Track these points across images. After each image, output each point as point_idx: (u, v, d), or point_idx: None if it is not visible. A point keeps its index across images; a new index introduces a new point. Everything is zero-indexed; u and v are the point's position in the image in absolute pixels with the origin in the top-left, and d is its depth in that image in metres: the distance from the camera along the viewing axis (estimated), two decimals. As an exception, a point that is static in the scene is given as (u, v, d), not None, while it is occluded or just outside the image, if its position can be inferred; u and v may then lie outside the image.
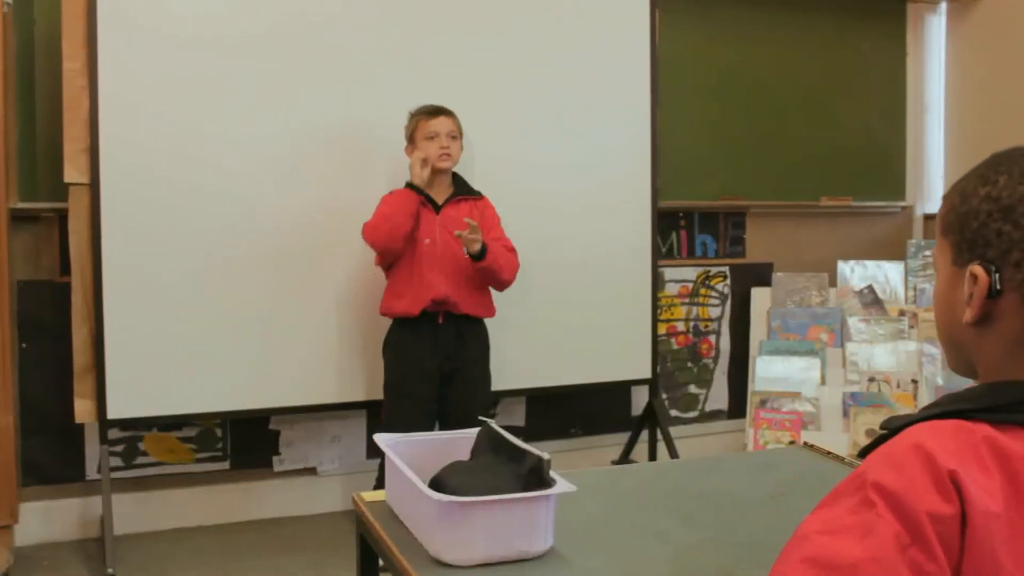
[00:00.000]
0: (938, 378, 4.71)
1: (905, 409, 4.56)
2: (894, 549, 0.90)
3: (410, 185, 3.67)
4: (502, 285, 3.84)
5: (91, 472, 4.01)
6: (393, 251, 3.68)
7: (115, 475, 3.98)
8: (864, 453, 1.03)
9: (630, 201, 4.56)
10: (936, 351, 4.79)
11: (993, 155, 1.06)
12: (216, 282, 3.85)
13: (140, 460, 4.09)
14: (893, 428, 1.02)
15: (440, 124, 3.74)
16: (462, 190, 3.83)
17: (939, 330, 1.11)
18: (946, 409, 1.00)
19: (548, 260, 4.35)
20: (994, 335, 1.02)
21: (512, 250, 3.83)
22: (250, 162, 3.88)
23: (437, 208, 3.73)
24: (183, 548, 3.94)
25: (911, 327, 4.98)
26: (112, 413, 3.71)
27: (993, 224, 1.00)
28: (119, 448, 4.04)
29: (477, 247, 3.61)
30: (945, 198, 1.10)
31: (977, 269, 1.01)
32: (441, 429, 3.79)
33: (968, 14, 5.53)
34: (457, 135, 3.79)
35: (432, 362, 3.74)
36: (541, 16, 4.35)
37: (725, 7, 5.15)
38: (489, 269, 3.69)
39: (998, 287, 0.99)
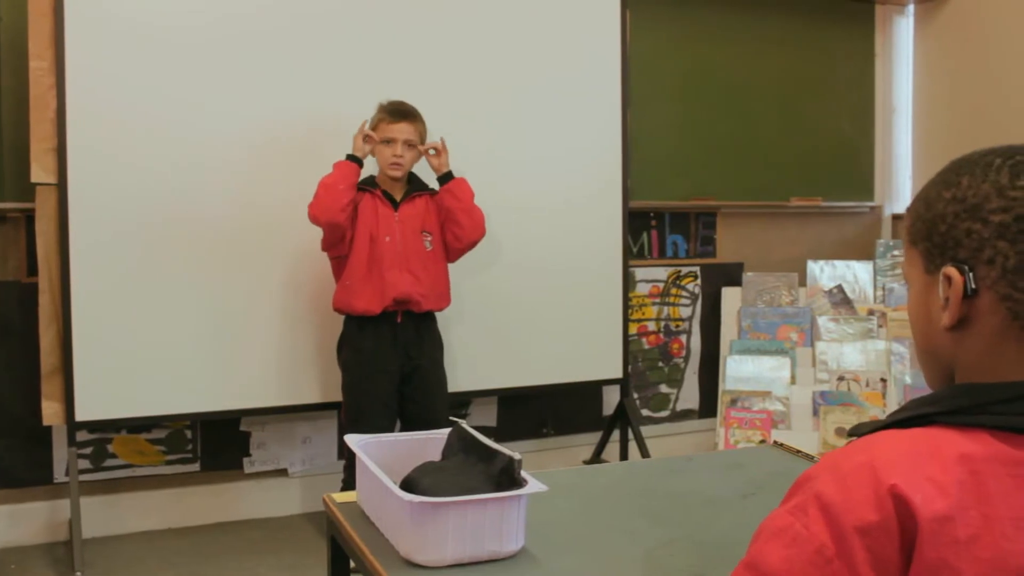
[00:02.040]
0: (906, 377, 4.75)
1: (874, 408, 4.60)
2: (810, 565, 0.93)
3: (351, 157, 3.63)
4: (474, 225, 3.78)
5: (59, 475, 3.97)
6: (336, 225, 3.59)
7: (83, 478, 3.95)
8: None
9: (601, 201, 4.57)
10: (905, 350, 4.83)
11: (951, 161, 1.07)
12: (185, 282, 3.82)
13: (109, 462, 4.06)
14: (860, 435, 1.03)
15: (399, 131, 3.68)
16: (417, 187, 3.81)
17: (917, 343, 1.11)
18: (911, 414, 1.01)
19: (520, 260, 4.36)
20: (973, 337, 1.02)
21: None
22: (221, 161, 3.86)
23: (395, 205, 3.72)
24: (153, 551, 3.91)
25: (880, 326, 5.02)
26: (80, 415, 3.68)
27: (961, 224, 1.01)
28: (87, 450, 4.00)
29: (446, 164, 3.72)
30: (909, 210, 1.11)
31: (951, 270, 1.01)
32: (402, 429, 3.78)
33: (935, 16, 5.59)
34: (415, 142, 3.73)
35: (393, 362, 3.72)
36: (512, 16, 4.35)
37: (696, 8, 5.17)
38: (460, 190, 3.73)
39: (973, 286, 1.00)
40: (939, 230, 1.03)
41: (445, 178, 3.74)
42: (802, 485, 0.99)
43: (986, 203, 0.99)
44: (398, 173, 3.71)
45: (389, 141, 3.68)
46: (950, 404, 0.99)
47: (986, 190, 1.00)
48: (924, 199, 1.07)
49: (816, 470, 0.99)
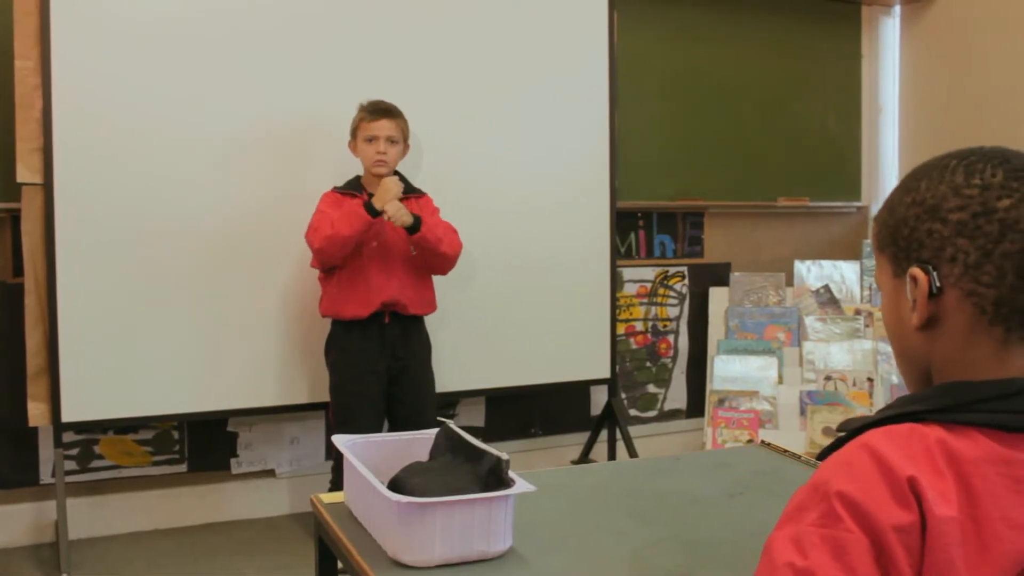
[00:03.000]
0: (893, 376, 4.76)
1: (861, 407, 4.61)
2: (871, 563, 0.92)
3: (372, 211, 3.53)
4: (444, 260, 3.74)
5: (45, 476, 3.96)
6: (334, 263, 3.64)
7: (70, 479, 3.93)
8: (823, 455, 1.05)
9: (589, 201, 4.58)
10: (891, 349, 4.83)
11: (913, 169, 1.10)
12: (172, 282, 3.81)
13: (96, 463, 4.05)
14: (850, 431, 1.03)
15: (380, 128, 3.66)
16: (404, 189, 3.79)
17: (893, 347, 1.13)
18: (901, 411, 1.02)
19: (508, 261, 4.36)
20: (943, 335, 1.04)
21: (452, 229, 3.78)
22: (209, 162, 3.85)
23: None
24: (140, 552, 3.90)
25: (867, 326, 5.04)
26: (67, 416, 3.66)
27: (923, 226, 1.03)
28: (74, 451, 3.99)
29: (408, 219, 3.56)
30: (875, 219, 1.14)
31: (915, 271, 1.04)
32: (390, 430, 3.77)
33: (921, 17, 5.61)
34: (398, 139, 3.70)
35: (380, 363, 3.72)
36: (499, 16, 4.35)
37: (683, 8, 5.18)
38: (426, 240, 3.62)
39: (938, 284, 1.02)
40: (902, 233, 1.06)
41: (411, 229, 3.60)
42: (813, 495, 0.98)
43: (944, 203, 1.02)
44: (383, 170, 3.68)
45: (371, 139, 3.66)
46: (938, 402, 1.00)
47: (943, 191, 1.03)
48: (888, 206, 1.11)
49: (824, 476, 0.98)
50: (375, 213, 3.54)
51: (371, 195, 3.67)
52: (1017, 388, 0.99)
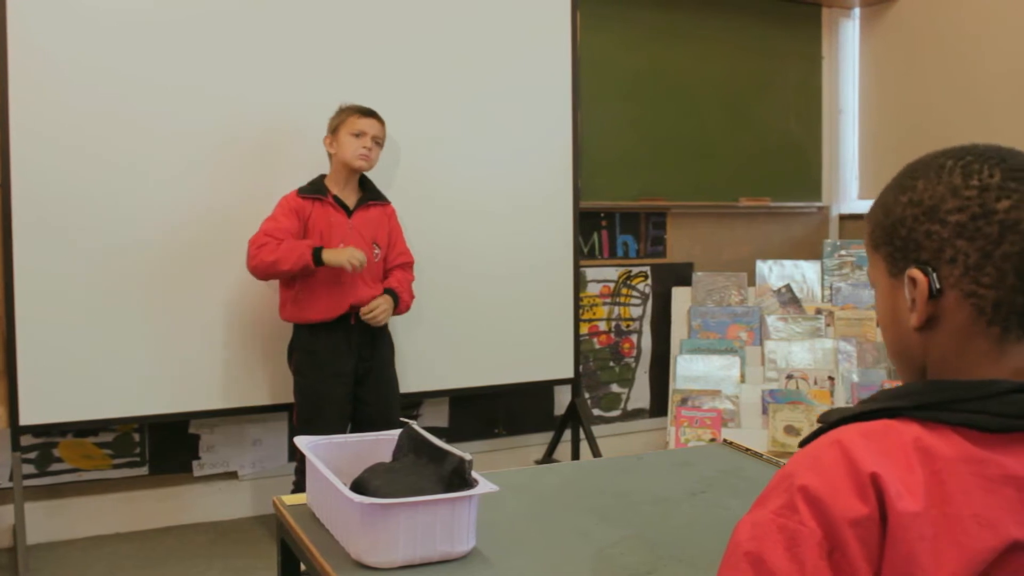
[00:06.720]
0: (854, 375, 4.81)
1: (822, 405, 4.65)
2: (819, 557, 0.93)
3: (317, 260, 3.53)
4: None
5: (3, 480, 3.91)
6: (258, 278, 3.67)
7: (28, 482, 3.89)
8: (804, 443, 1.06)
9: (552, 202, 4.58)
10: (852, 348, 4.89)
11: (905, 166, 1.09)
12: (132, 283, 3.77)
13: (55, 467, 4.00)
14: (829, 422, 1.05)
15: (369, 125, 3.71)
16: (371, 195, 3.81)
17: (888, 344, 1.13)
18: (881, 406, 1.02)
19: (470, 261, 4.36)
20: (942, 335, 1.04)
21: (410, 267, 3.91)
22: (169, 162, 3.81)
23: (349, 212, 3.71)
24: (100, 556, 3.86)
25: (827, 325, 5.08)
26: (25, 419, 3.62)
27: (921, 227, 1.03)
28: (32, 455, 3.94)
29: (388, 317, 3.76)
30: (868, 217, 1.13)
31: (915, 272, 1.03)
32: (354, 431, 3.76)
33: (880, 19, 5.67)
34: (381, 143, 3.78)
35: (348, 365, 3.71)
36: (462, 16, 4.34)
37: (645, 9, 5.20)
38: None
39: (937, 286, 1.02)
40: (899, 234, 1.05)
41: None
42: (780, 484, 0.99)
43: (942, 204, 1.02)
44: (365, 164, 3.71)
45: (359, 134, 3.69)
46: (918, 399, 1.01)
47: (941, 192, 1.02)
48: (882, 205, 1.10)
49: (793, 467, 1.00)
50: (319, 263, 3.54)
51: (336, 198, 3.67)
52: (996, 390, 0.99)
